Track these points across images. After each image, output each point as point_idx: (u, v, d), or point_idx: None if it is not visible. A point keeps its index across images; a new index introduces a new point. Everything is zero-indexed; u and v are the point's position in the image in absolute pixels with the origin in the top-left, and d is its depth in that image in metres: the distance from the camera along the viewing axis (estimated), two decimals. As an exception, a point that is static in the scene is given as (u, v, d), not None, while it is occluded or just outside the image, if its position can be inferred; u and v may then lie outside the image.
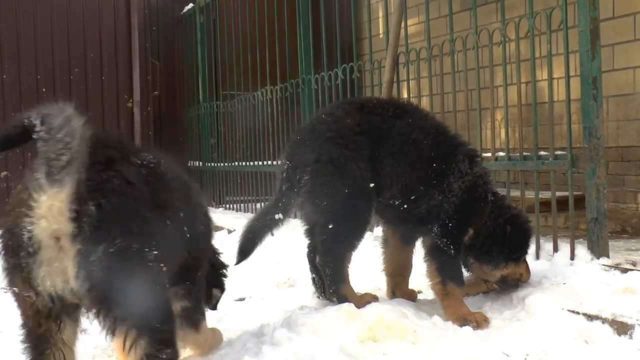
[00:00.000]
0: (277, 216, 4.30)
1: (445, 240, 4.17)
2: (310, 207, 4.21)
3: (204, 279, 3.56)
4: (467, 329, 3.92)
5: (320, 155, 4.14)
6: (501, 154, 5.52)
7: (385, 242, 4.64)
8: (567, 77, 4.87)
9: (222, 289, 3.89)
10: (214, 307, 3.89)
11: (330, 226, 4.17)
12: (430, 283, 4.29)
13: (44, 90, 10.97)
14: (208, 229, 3.60)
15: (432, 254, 4.24)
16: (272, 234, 4.42)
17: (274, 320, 4.20)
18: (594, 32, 4.64)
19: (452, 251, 4.17)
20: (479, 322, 3.99)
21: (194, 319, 3.52)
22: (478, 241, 4.27)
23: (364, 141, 4.18)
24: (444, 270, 4.19)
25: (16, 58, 10.78)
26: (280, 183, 4.33)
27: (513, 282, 4.43)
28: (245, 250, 4.38)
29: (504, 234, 4.28)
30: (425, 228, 4.26)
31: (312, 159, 4.15)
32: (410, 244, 4.59)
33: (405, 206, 4.21)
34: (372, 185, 4.16)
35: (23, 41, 10.75)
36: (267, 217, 4.34)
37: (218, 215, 9.50)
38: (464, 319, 4.01)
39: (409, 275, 4.63)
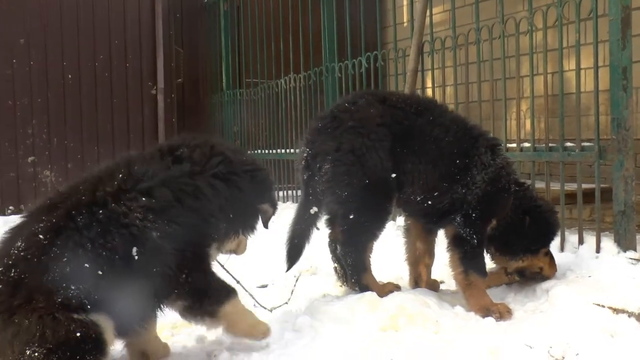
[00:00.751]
0: (312, 211, 4.28)
1: (468, 230, 4.14)
2: (331, 197, 4.19)
3: None
4: (490, 320, 3.89)
5: (342, 144, 4.12)
6: (526, 144, 5.46)
7: (407, 231, 4.61)
8: (596, 67, 4.80)
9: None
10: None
11: (351, 216, 4.15)
12: (452, 273, 4.26)
13: (69, 77, 11.02)
14: None
15: (455, 243, 4.21)
16: (318, 229, 4.41)
17: (296, 308, 4.19)
18: (626, 21, 4.56)
19: (475, 241, 4.14)
20: (502, 313, 3.95)
21: None
22: (499, 231, 4.23)
23: (385, 133, 4.15)
24: (467, 260, 4.15)
25: (43, 46, 10.83)
26: (302, 173, 4.31)
27: (531, 275, 4.38)
28: (293, 257, 4.39)
29: (523, 224, 4.24)
30: (448, 219, 4.23)
31: (333, 147, 4.13)
32: (432, 234, 4.56)
33: (428, 202, 4.19)
34: (393, 175, 4.14)
35: (49, 29, 10.80)
36: (305, 217, 4.33)
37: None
38: (486, 310, 3.97)
39: (431, 265, 4.60)
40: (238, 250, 3.67)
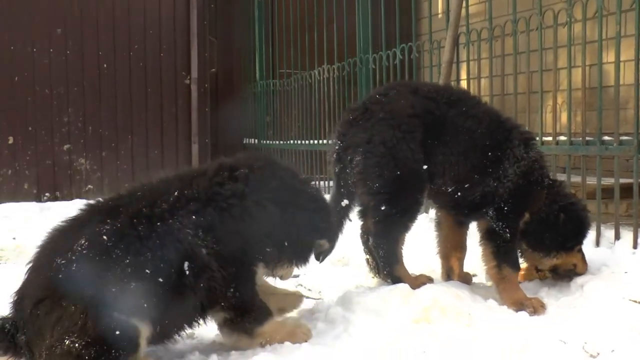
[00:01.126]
0: (343, 203, 4.29)
1: (501, 223, 4.10)
2: (363, 188, 4.19)
3: None
4: (523, 314, 3.86)
5: (373, 136, 4.11)
6: (562, 138, 5.39)
7: (439, 224, 4.59)
8: (637, 59, 4.72)
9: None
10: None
11: (382, 208, 4.15)
12: (485, 267, 4.23)
13: (105, 66, 11.13)
14: None
15: (488, 237, 4.17)
16: (350, 220, 4.41)
17: (328, 299, 4.21)
18: (667, 13, 4.48)
19: (508, 235, 4.10)
20: (536, 307, 3.91)
21: None
22: (532, 227, 4.19)
23: (416, 124, 4.13)
24: (500, 254, 4.12)
25: (79, 36, 10.96)
26: (333, 165, 4.31)
27: (565, 273, 4.33)
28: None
29: (557, 221, 4.19)
30: (479, 212, 4.20)
31: (364, 139, 4.13)
32: (463, 226, 4.54)
33: (459, 194, 4.16)
34: (424, 167, 4.12)
35: (86, 19, 10.91)
36: (337, 209, 4.32)
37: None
38: (520, 304, 3.94)
39: (463, 258, 4.58)
40: (284, 275, 3.73)
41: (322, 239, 3.69)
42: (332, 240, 3.74)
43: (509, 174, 4.11)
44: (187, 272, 3.14)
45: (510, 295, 4.04)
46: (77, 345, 2.92)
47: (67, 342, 2.92)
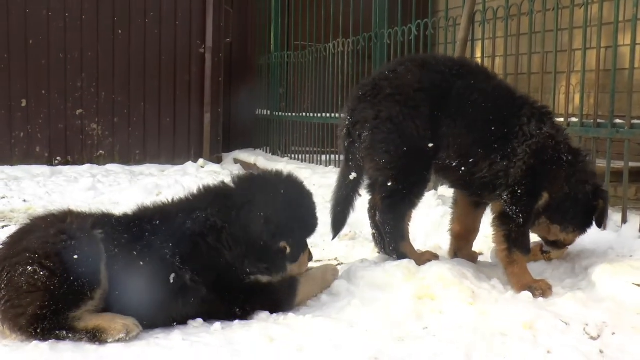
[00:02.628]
0: (351, 176, 4.31)
1: (514, 208, 4.07)
2: (370, 163, 4.20)
3: None
4: (526, 294, 3.86)
5: (380, 112, 4.12)
6: (574, 119, 5.38)
7: (456, 203, 4.57)
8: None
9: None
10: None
11: (389, 184, 4.16)
12: (495, 249, 4.22)
13: (119, 32, 11.15)
14: None
15: (501, 220, 4.14)
16: (360, 195, 4.43)
17: (333, 271, 4.24)
18: (684, -2, 4.43)
19: (521, 220, 4.06)
20: (544, 290, 3.91)
21: None
22: (555, 202, 4.12)
23: (423, 99, 4.11)
24: (511, 238, 4.08)
25: (95, 0, 10.96)
26: (343, 140, 4.33)
27: (562, 245, 4.36)
28: (338, 225, 4.43)
29: (589, 204, 4.15)
30: (493, 195, 4.18)
31: (371, 115, 4.14)
32: (479, 208, 4.51)
33: (463, 169, 4.14)
34: (430, 144, 4.11)
35: (102, -18, 10.94)
36: (345, 182, 4.35)
37: (282, 165, 9.58)
38: (528, 287, 3.91)
39: (474, 239, 4.58)
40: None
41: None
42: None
43: (519, 153, 4.04)
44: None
45: (519, 279, 4.02)
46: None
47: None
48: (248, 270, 3.63)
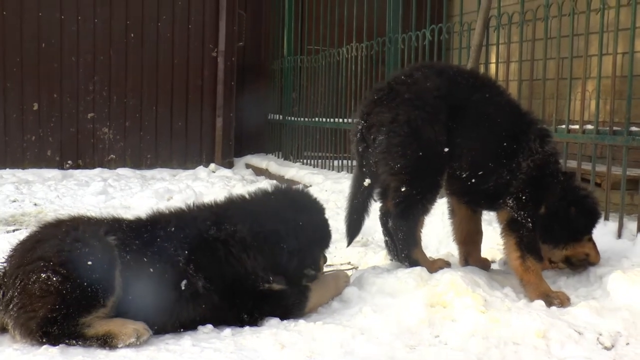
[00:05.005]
0: (365, 183, 4.33)
1: (522, 212, 4.10)
2: (384, 167, 4.21)
3: None
4: (539, 302, 3.87)
5: (397, 115, 4.13)
6: (589, 126, 5.37)
7: (452, 212, 4.61)
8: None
9: None
10: None
11: (402, 189, 4.17)
12: (508, 259, 4.20)
13: (132, 35, 11.23)
14: None
15: (510, 228, 4.16)
16: (375, 200, 4.45)
17: (344, 278, 4.26)
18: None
19: (530, 225, 4.10)
20: (562, 300, 3.90)
21: None
22: (543, 220, 4.21)
23: (441, 106, 4.14)
24: (523, 244, 4.10)
25: (108, 3, 11.05)
26: (356, 145, 4.34)
27: (578, 263, 4.37)
28: (353, 232, 4.46)
29: (567, 213, 4.23)
30: (497, 203, 4.21)
31: (388, 118, 4.14)
32: (477, 211, 4.57)
33: (473, 180, 4.18)
34: (446, 150, 4.15)
35: (115, -14, 11.02)
36: (360, 189, 4.37)
37: (294, 170, 9.62)
38: (546, 296, 3.92)
39: (480, 241, 4.60)
40: None
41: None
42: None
43: (522, 167, 4.12)
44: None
45: (535, 288, 4.01)
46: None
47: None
48: (270, 278, 3.70)
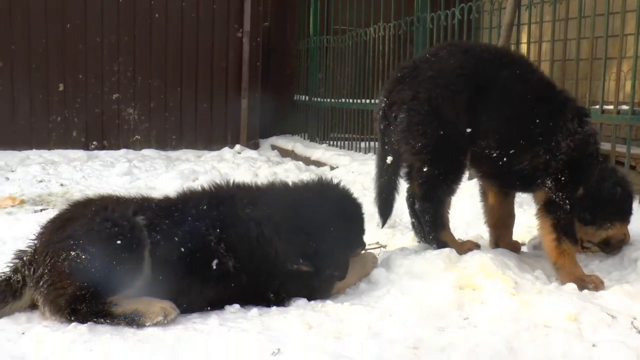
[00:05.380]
0: (388, 160, 4.31)
1: (560, 194, 4.06)
2: (406, 146, 4.19)
3: None
4: (571, 285, 3.84)
5: (418, 93, 4.10)
6: (624, 107, 5.30)
7: (484, 194, 4.58)
8: None
9: None
10: None
11: (425, 169, 4.15)
12: (543, 240, 4.16)
13: (156, 16, 11.24)
14: None
15: (547, 209, 4.11)
16: (401, 177, 4.43)
17: (372, 260, 4.26)
18: None
19: (568, 207, 4.05)
20: (597, 283, 3.85)
21: None
22: (586, 201, 4.17)
23: (464, 84, 4.10)
24: (560, 226, 4.05)
25: (132, -17, 11.08)
26: (379, 122, 4.33)
27: (617, 245, 4.35)
28: (385, 212, 4.46)
29: (614, 195, 4.21)
30: (534, 184, 4.17)
31: (409, 96, 4.12)
32: (509, 195, 4.53)
33: (504, 160, 4.13)
34: (468, 130, 4.10)
35: (139, -35, 11.04)
36: (384, 167, 4.36)
37: (320, 152, 9.61)
38: (581, 280, 3.88)
39: (512, 225, 4.57)
40: None
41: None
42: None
43: (562, 147, 4.07)
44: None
45: (570, 272, 3.97)
46: None
47: None
48: (300, 260, 3.71)
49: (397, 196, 4.44)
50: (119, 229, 3.39)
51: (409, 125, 4.13)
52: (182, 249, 3.50)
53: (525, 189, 4.35)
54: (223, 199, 3.73)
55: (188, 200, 3.73)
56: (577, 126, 4.11)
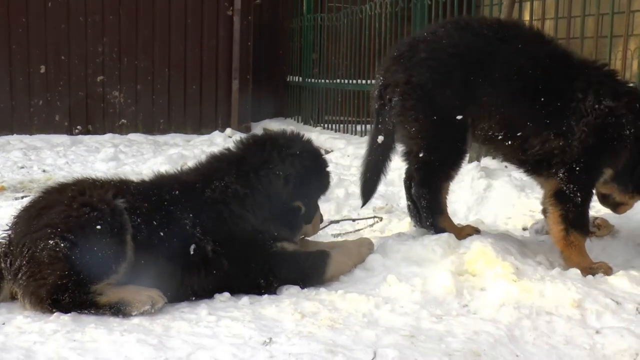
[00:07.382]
0: (379, 139, 4.30)
1: (571, 186, 4.01)
2: (402, 131, 4.20)
3: None
4: (575, 271, 3.85)
5: (411, 77, 4.09)
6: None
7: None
8: None
9: None
10: None
11: (421, 155, 4.15)
12: (550, 230, 4.16)
13: (145, -7, 11.20)
14: None
15: (557, 199, 4.07)
16: (391, 160, 4.43)
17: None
18: None
19: (579, 199, 4.01)
20: (606, 269, 3.87)
21: None
22: (621, 173, 4.09)
23: (456, 64, 4.07)
24: (569, 218, 4.03)
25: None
26: (374, 102, 4.33)
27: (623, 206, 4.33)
28: (367, 192, 4.46)
29: None
30: (548, 172, 4.13)
31: (402, 79, 4.12)
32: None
33: (511, 142, 4.09)
34: (464, 113, 4.08)
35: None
36: (374, 147, 4.36)
37: (315, 135, 9.61)
38: (590, 269, 3.89)
39: None
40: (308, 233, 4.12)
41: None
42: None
43: (576, 132, 3.98)
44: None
45: (578, 262, 3.97)
46: None
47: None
48: (275, 234, 3.72)
49: (382, 177, 4.44)
50: (99, 213, 3.39)
51: (403, 110, 4.13)
52: (162, 234, 3.51)
53: (543, 175, 4.22)
54: (184, 186, 3.73)
55: (162, 184, 3.74)
56: (594, 103, 3.97)
